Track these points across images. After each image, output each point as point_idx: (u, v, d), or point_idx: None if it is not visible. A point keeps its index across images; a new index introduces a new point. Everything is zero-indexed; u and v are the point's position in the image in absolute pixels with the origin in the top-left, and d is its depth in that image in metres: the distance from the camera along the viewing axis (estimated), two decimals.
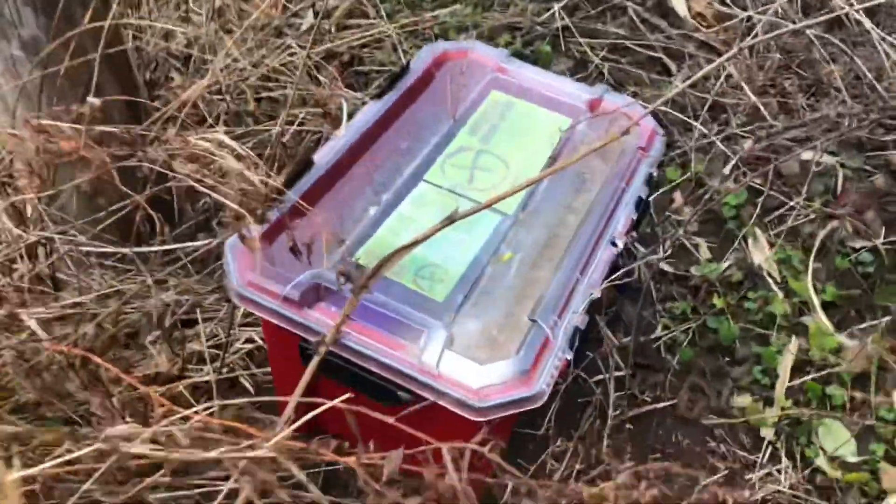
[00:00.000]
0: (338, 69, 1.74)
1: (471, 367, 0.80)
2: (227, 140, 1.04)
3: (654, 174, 1.09)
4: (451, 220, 0.79)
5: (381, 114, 1.10)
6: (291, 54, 1.76)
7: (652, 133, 1.12)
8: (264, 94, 1.74)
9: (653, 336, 1.28)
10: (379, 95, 1.12)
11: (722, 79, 1.47)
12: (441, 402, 0.80)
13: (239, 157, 1.14)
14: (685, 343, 1.27)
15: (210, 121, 1.67)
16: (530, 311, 0.87)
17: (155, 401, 0.67)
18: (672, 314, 1.31)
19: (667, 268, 1.38)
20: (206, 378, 1.20)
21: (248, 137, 1.61)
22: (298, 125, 1.67)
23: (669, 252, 1.39)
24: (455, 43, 1.25)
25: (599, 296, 0.91)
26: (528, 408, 0.80)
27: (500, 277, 0.93)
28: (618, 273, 0.91)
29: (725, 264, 1.38)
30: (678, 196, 1.54)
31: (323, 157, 1.03)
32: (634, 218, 1.02)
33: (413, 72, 1.16)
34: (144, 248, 1.17)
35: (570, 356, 0.85)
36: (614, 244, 0.97)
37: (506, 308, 0.89)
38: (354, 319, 0.84)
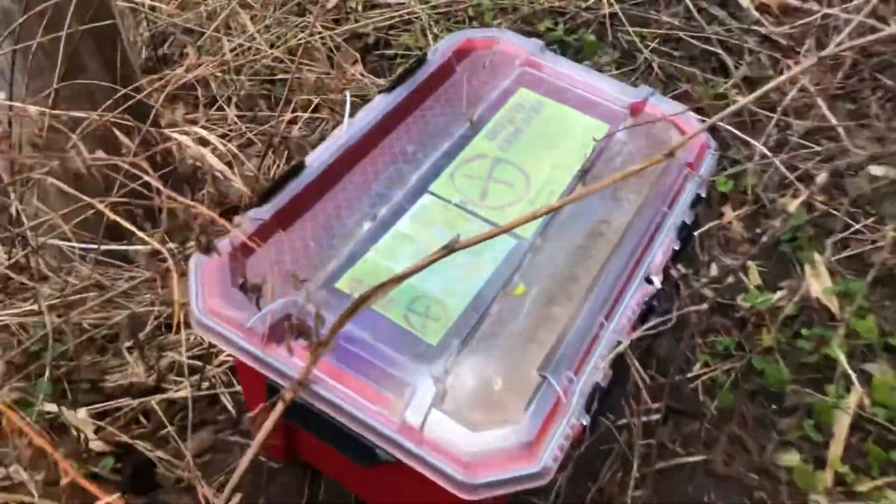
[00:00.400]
0: (358, 51, 1.59)
1: (462, 433, 0.66)
2: (209, 136, 0.92)
3: (703, 196, 0.93)
4: (449, 249, 0.65)
5: (389, 111, 0.95)
6: (312, 34, 1.63)
7: (703, 147, 0.96)
8: (280, 76, 1.61)
9: (689, 375, 1.12)
10: (389, 89, 0.98)
11: (794, 92, 1.29)
12: (423, 472, 0.66)
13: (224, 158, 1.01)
14: (726, 385, 1.11)
15: (220, 102, 1.55)
16: (541, 363, 0.72)
17: (62, 471, 0.55)
18: (713, 350, 1.15)
19: (709, 293, 1.22)
20: (183, 394, 1.08)
21: (254, 124, 1.49)
22: (313, 111, 1.54)
23: (714, 278, 1.22)
24: (481, 31, 1.09)
25: (628, 344, 0.76)
26: (530, 486, 0.66)
27: (509, 317, 0.78)
28: (653, 322, 0.75)
29: (778, 295, 1.21)
30: (728, 211, 1.38)
31: (317, 158, 0.89)
32: (676, 248, 0.87)
33: (430, 63, 1.02)
34: (115, 246, 1.05)
35: (585, 421, 0.70)
36: (650, 281, 0.82)
37: (512, 357, 0.75)
38: (328, 361, 0.71)
